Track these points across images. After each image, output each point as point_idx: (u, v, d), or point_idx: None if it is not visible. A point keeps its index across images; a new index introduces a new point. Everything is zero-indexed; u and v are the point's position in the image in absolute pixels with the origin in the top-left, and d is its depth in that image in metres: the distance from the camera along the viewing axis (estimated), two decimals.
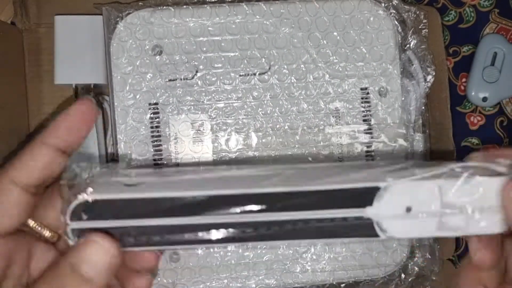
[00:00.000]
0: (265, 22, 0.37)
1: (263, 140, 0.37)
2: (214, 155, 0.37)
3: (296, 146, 0.37)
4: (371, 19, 0.37)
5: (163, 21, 0.36)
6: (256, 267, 0.37)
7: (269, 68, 0.37)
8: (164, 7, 0.36)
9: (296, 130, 0.37)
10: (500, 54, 0.42)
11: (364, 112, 0.38)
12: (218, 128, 0.37)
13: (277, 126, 0.37)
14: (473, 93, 0.43)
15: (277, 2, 0.37)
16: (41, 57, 0.39)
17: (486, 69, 0.42)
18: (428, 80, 0.38)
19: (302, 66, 0.37)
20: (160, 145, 0.36)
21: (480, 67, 0.42)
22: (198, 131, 0.37)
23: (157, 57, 0.36)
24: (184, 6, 0.36)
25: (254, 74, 0.37)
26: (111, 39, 0.36)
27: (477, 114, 0.44)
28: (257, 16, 0.37)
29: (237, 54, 0.37)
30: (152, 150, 0.36)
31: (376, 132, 0.38)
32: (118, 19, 0.36)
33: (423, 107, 0.38)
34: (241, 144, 0.37)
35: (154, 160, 0.36)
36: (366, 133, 0.38)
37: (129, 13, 0.36)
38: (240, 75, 0.37)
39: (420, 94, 0.38)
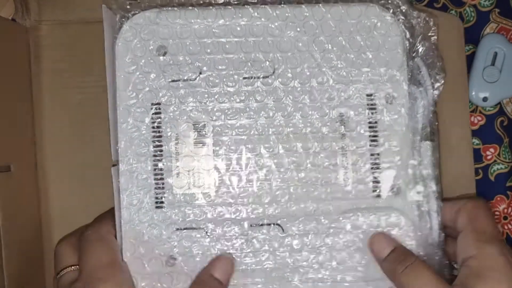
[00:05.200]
0: (270, 25, 0.36)
1: (266, 144, 0.36)
2: (215, 157, 0.36)
3: (299, 151, 0.36)
4: (378, 24, 0.37)
5: (168, 22, 0.36)
6: (255, 274, 0.36)
7: (273, 72, 0.36)
8: (170, 8, 0.36)
9: (299, 135, 0.36)
10: (501, 54, 0.41)
11: (369, 118, 0.37)
12: (220, 130, 0.36)
13: (280, 129, 0.36)
14: (473, 93, 0.42)
15: (283, 5, 0.37)
16: (42, 54, 0.39)
17: (486, 69, 0.41)
18: (436, 87, 0.37)
19: (306, 70, 0.36)
20: (161, 145, 0.36)
21: (481, 67, 0.42)
22: (200, 133, 0.36)
23: (161, 58, 0.36)
24: (190, 8, 0.36)
25: (258, 77, 0.36)
26: (115, 38, 0.36)
27: (477, 114, 0.43)
28: (262, 19, 0.36)
29: (241, 56, 0.36)
30: (152, 150, 0.36)
31: (382, 139, 0.37)
32: (123, 19, 0.36)
33: (431, 115, 0.37)
34: (242, 147, 0.36)
35: (154, 160, 0.36)
36: (372, 140, 0.37)
37: (135, 13, 0.36)
38: (243, 78, 0.36)
39: (428, 101, 0.37)
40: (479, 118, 0.43)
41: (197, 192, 0.36)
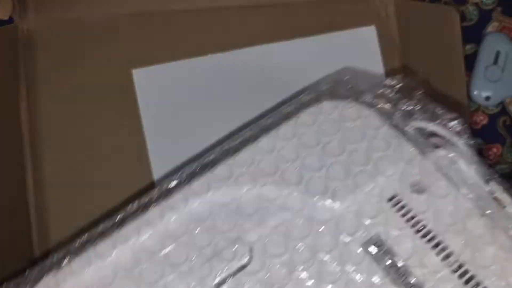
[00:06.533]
0: None
1: None
2: None
3: None
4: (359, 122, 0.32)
5: None
6: None
7: None
8: None
9: None
10: (503, 53, 0.41)
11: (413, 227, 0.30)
12: None
13: None
14: (475, 92, 0.42)
15: None
16: (37, 52, 0.38)
17: (489, 68, 0.41)
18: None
19: None
20: None
21: (483, 66, 0.41)
22: None
23: None
24: None
25: None
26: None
27: (480, 113, 0.42)
28: None
29: None
30: None
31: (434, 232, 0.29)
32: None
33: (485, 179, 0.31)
34: None
35: None
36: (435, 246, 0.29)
37: None
38: None
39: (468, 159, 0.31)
40: (482, 118, 0.42)
41: None
